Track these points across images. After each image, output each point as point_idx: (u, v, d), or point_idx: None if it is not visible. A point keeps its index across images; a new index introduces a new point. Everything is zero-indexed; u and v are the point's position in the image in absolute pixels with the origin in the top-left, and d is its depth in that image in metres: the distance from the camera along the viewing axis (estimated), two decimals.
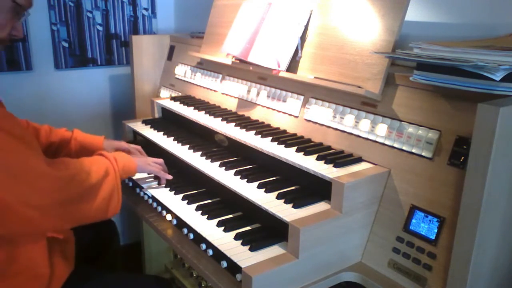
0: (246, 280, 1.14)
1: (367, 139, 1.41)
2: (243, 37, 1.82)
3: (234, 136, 1.66)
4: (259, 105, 1.85)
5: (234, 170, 1.54)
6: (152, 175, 1.73)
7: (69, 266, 1.42)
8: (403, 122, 1.32)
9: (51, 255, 1.36)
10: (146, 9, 2.79)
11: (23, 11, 1.27)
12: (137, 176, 1.71)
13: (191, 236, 1.41)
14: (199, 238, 1.37)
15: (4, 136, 1.14)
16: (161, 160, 1.70)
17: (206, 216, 1.46)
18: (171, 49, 2.54)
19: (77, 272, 1.44)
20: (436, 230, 1.20)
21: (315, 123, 1.59)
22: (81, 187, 1.28)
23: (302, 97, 1.66)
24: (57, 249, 1.39)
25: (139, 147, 1.80)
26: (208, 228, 1.39)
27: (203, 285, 2.16)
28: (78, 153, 1.70)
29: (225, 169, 1.57)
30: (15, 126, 1.21)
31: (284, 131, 1.68)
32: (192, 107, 2.01)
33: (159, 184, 1.70)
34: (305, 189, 1.43)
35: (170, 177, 1.69)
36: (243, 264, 1.18)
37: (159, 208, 1.60)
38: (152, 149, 1.93)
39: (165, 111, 2.22)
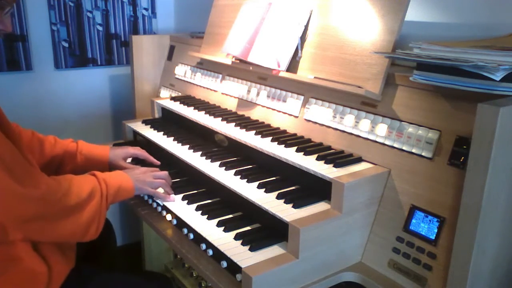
0: (246, 280, 1.14)
1: (367, 139, 1.41)
2: (243, 37, 1.82)
3: (234, 136, 1.66)
4: (259, 105, 1.85)
5: (234, 170, 1.54)
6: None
7: (69, 263, 1.42)
8: (403, 122, 1.32)
9: (48, 251, 1.35)
10: (146, 9, 2.79)
11: (8, 6, 1.24)
12: None
13: (191, 236, 1.41)
14: (199, 238, 1.37)
15: None
16: (164, 173, 1.60)
17: (206, 216, 1.45)
18: (171, 49, 2.54)
19: (77, 270, 1.43)
20: (436, 230, 1.20)
21: (315, 123, 1.59)
22: (53, 207, 1.24)
23: (302, 97, 1.66)
24: (54, 246, 1.38)
25: (144, 152, 1.79)
26: (208, 228, 1.39)
27: (203, 285, 2.16)
28: (84, 167, 1.68)
29: (225, 169, 1.57)
30: None
31: (284, 131, 1.68)
32: (192, 107, 2.01)
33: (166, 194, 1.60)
34: (305, 189, 1.43)
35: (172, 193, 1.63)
36: (243, 264, 1.18)
37: (159, 208, 1.59)
38: (152, 149, 1.92)
39: (165, 111, 2.22)
